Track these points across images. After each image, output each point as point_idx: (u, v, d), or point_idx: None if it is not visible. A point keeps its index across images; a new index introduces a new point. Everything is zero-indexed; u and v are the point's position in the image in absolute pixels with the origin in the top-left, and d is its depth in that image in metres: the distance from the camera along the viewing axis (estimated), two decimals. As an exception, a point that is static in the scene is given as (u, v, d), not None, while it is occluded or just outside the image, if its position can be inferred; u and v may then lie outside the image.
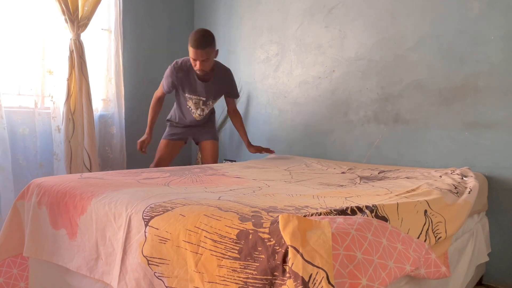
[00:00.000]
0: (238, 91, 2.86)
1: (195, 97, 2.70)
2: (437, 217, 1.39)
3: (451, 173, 2.04)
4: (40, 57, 2.69)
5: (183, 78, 2.65)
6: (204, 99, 2.71)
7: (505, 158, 2.18)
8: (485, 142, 2.24)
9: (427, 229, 1.31)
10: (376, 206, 1.21)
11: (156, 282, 1.20)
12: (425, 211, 1.37)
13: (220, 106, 3.54)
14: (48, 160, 2.76)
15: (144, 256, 1.23)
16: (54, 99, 2.74)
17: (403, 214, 1.26)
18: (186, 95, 2.70)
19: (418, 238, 1.25)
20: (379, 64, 2.63)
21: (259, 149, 2.85)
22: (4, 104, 2.55)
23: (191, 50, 2.42)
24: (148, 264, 1.21)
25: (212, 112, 2.95)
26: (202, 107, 2.75)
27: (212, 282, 1.07)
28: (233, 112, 2.92)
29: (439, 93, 2.40)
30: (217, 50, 2.56)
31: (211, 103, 2.77)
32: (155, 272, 1.20)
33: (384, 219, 1.18)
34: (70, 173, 2.72)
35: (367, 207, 1.20)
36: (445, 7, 2.37)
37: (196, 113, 2.77)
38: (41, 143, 2.72)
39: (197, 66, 2.47)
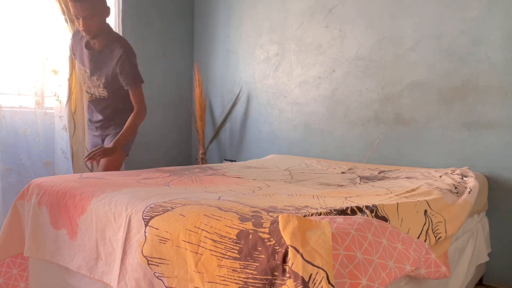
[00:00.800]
0: (138, 79, 2.27)
1: (82, 68, 2.25)
2: (437, 217, 1.39)
3: (451, 173, 2.04)
4: (42, 57, 2.69)
5: (77, 43, 2.27)
6: (88, 72, 2.23)
7: (505, 158, 2.18)
8: (485, 142, 2.24)
9: (427, 229, 1.31)
10: (376, 206, 1.21)
11: (156, 282, 1.20)
12: (425, 211, 1.37)
13: (220, 105, 3.55)
14: (55, 159, 2.76)
15: (144, 256, 1.23)
16: (60, 98, 2.75)
17: (403, 214, 1.26)
18: (77, 63, 2.31)
19: (418, 238, 1.25)
20: (379, 64, 2.63)
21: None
22: (8, 104, 2.55)
23: (70, 5, 2.06)
24: (148, 264, 1.21)
25: (125, 109, 2.31)
26: (88, 82, 2.25)
27: (212, 282, 1.07)
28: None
29: (439, 93, 2.40)
30: (108, 8, 2.18)
31: (97, 80, 2.22)
32: (155, 272, 1.20)
33: (384, 219, 1.18)
34: (73, 172, 2.73)
35: (367, 207, 1.20)
36: (445, 7, 2.37)
37: (90, 92, 2.26)
38: (46, 143, 2.72)
39: (80, 25, 2.07)
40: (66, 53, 2.75)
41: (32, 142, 2.66)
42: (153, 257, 1.21)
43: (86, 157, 2.08)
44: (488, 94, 2.23)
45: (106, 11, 2.17)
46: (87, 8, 2.03)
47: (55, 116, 2.76)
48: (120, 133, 2.17)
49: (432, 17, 2.41)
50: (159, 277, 1.19)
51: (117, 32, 3.09)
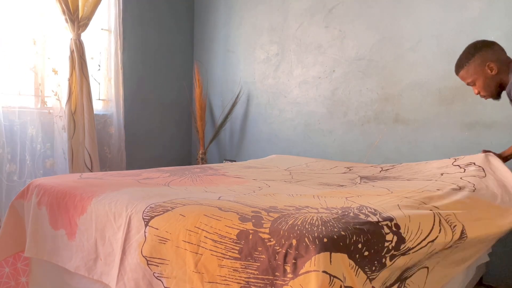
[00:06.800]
0: None
1: None
2: (445, 211, 1.38)
3: (453, 163, 2.01)
4: (39, 57, 2.68)
5: None
6: None
7: (505, 158, 2.18)
8: (485, 142, 2.24)
9: (439, 221, 1.30)
10: (378, 210, 1.21)
11: (155, 282, 1.19)
12: (430, 210, 1.37)
13: (220, 105, 3.54)
14: (56, 159, 2.75)
15: (143, 256, 1.22)
16: (52, 99, 2.74)
17: (408, 213, 1.26)
18: None
19: (432, 230, 1.23)
20: (379, 64, 2.63)
21: None
22: (7, 104, 2.54)
23: None
24: (148, 264, 1.21)
25: None
26: None
27: (213, 282, 1.07)
28: None
29: (439, 93, 2.40)
30: (483, 54, 1.77)
31: None
32: (154, 273, 1.20)
33: (390, 218, 1.18)
34: (72, 172, 2.72)
35: (370, 211, 1.20)
36: (445, 7, 2.37)
37: None
38: (48, 143, 2.71)
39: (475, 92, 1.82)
40: (66, 53, 2.74)
41: (34, 142, 2.64)
42: (153, 257, 1.21)
43: None
44: (488, 94, 2.22)
45: (484, 62, 1.73)
46: (465, 77, 1.79)
47: (54, 116, 2.75)
48: None
49: (432, 17, 2.41)
50: (158, 277, 1.19)
51: (117, 32, 3.08)
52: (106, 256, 1.36)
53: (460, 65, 1.79)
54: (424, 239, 1.21)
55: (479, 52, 1.75)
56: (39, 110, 2.68)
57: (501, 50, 1.76)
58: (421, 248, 1.19)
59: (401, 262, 1.13)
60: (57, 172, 2.74)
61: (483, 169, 1.85)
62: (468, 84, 1.80)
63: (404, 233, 1.17)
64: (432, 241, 1.23)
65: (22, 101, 2.65)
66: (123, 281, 1.27)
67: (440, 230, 1.27)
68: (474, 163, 1.91)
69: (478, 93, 1.79)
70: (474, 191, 1.68)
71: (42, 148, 2.67)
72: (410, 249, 1.15)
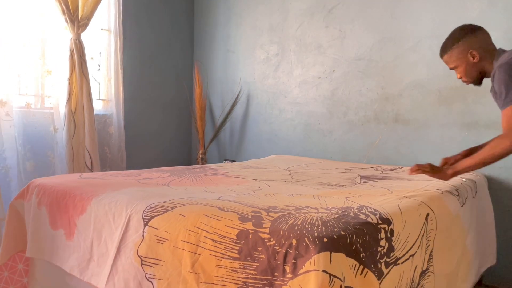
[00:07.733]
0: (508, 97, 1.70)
1: None
2: (432, 224, 1.39)
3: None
4: (39, 57, 2.68)
5: None
6: None
7: (505, 158, 2.17)
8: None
9: (423, 235, 1.31)
10: (378, 210, 1.21)
11: (145, 284, 1.19)
12: (427, 215, 1.37)
13: (220, 105, 3.54)
14: (42, 161, 2.70)
15: (138, 256, 1.22)
16: (52, 99, 2.73)
17: (406, 217, 1.26)
18: None
19: (414, 244, 1.25)
20: (379, 64, 2.63)
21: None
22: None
23: None
24: (141, 264, 1.21)
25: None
26: None
27: (209, 283, 1.06)
28: None
29: (439, 93, 2.40)
30: (467, 40, 1.75)
31: None
32: (146, 273, 1.19)
33: (388, 221, 1.17)
34: (73, 172, 2.71)
35: (369, 211, 1.20)
36: (445, 7, 2.37)
37: None
38: (35, 143, 2.65)
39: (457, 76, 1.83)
40: (66, 53, 2.74)
41: (18, 144, 2.56)
42: (148, 257, 1.20)
43: (410, 169, 1.76)
44: (488, 94, 2.22)
45: (467, 49, 1.73)
46: (448, 61, 1.80)
47: (48, 117, 2.72)
48: (467, 158, 1.69)
49: (432, 17, 2.41)
50: (150, 279, 1.18)
51: (117, 32, 3.08)
52: (99, 256, 1.35)
53: (444, 50, 1.80)
54: (407, 252, 1.22)
55: (463, 38, 1.75)
56: (30, 110, 2.63)
57: (486, 37, 1.76)
58: (405, 260, 1.19)
59: (396, 273, 1.13)
60: (41, 174, 2.64)
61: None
62: (451, 68, 1.83)
63: (394, 241, 1.17)
64: (413, 255, 1.24)
65: (22, 101, 2.64)
66: (113, 281, 1.26)
67: (419, 246, 1.28)
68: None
69: (461, 78, 1.81)
70: (462, 205, 1.69)
71: (23, 150, 2.59)
72: (398, 259, 1.16)
